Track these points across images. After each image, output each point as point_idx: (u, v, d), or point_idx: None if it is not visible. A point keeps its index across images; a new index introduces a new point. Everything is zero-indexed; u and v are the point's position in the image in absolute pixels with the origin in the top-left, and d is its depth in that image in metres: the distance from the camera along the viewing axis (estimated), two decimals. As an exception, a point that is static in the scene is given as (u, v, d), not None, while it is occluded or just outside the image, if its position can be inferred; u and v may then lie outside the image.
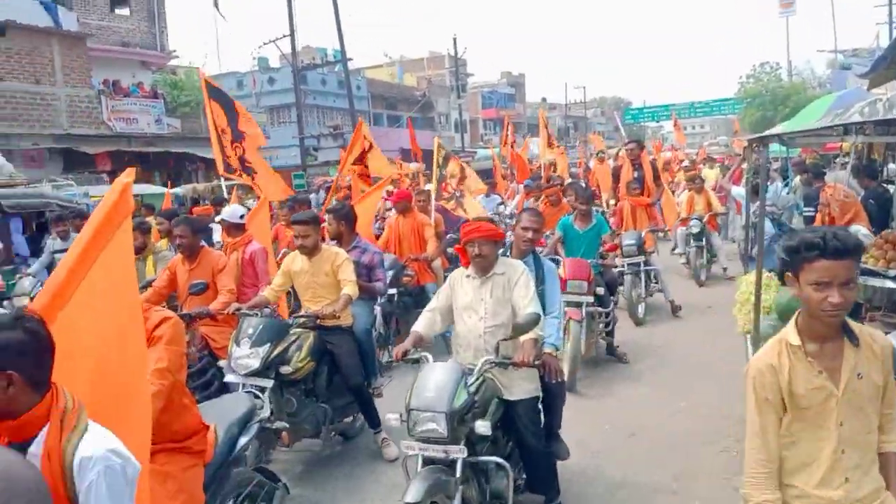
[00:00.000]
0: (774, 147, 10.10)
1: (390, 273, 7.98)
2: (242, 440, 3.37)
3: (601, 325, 6.88)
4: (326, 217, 6.06)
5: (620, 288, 8.09)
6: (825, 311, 1.95)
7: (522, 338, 3.46)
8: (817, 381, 2.04)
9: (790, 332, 2.09)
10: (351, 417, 5.45)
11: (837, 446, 2.04)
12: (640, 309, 8.71)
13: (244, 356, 4.57)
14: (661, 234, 13.98)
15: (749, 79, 48.86)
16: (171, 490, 2.68)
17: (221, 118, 8.08)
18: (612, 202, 11.92)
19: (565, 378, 3.90)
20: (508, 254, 4.11)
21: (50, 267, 8.18)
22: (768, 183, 8.57)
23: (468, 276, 3.81)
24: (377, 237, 8.47)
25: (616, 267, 7.35)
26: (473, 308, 3.74)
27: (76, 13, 20.49)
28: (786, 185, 10.89)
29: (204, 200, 14.24)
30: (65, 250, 7.12)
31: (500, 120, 17.71)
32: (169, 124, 20.66)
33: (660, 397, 6.05)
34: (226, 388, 4.80)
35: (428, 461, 3.27)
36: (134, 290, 2.30)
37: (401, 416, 3.33)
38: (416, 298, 7.76)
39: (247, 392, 4.30)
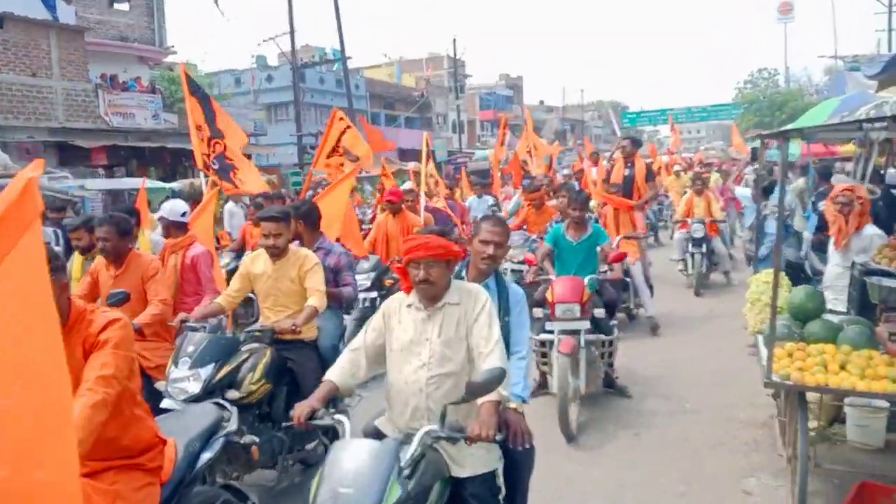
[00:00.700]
0: (773, 152, 10.08)
1: (372, 275, 7.66)
2: (205, 455, 3.06)
3: (602, 356, 5.77)
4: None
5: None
6: None
7: (480, 400, 2.57)
8: None
9: None
10: (314, 442, 4.66)
11: None
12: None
13: (182, 378, 3.95)
14: (649, 241, 13.81)
15: (747, 84, 49.13)
16: None
17: (199, 115, 7.89)
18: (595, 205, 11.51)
19: (533, 442, 2.97)
20: (463, 275, 3.34)
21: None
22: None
23: (409, 305, 2.90)
24: (364, 237, 8.19)
25: (619, 280, 6.26)
26: (414, 350, 2.82)
27: (74, 7, 20.32)
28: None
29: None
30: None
31: (498, 121, 17.45)
32: (166, 119, 20.54)
33: (663, 399, 5.99)
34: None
35: None
36: (48, 300, 1.89)
37: None
38: None
39: (213, 403, 3.66)
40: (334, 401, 4.16)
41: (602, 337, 5.67)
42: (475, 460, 2.77)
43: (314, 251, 4.84)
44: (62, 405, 1.76)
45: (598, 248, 6.00)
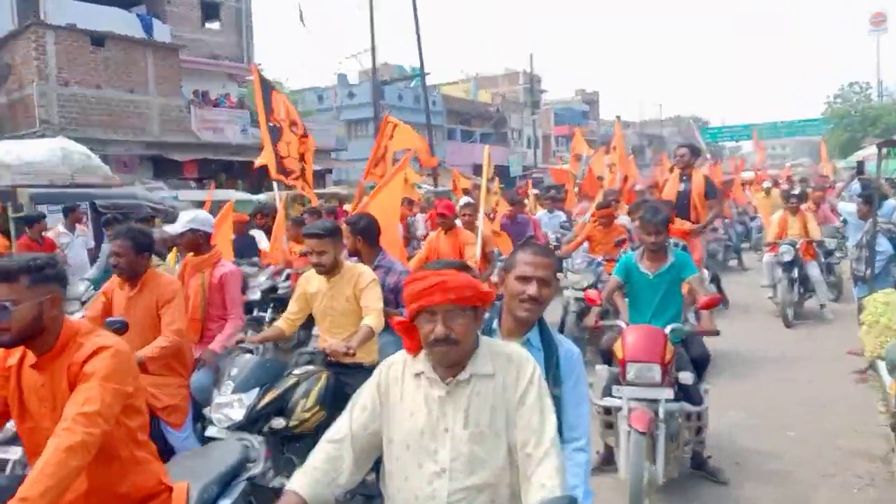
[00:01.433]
0: (871, 165, 9.53)
1: None
2: (224, 503, 2.69)
3: (688, 432, 4.33)
4: (344, 230, 4.84)
5: None
6: None
7: None
8: None
9: None
10: (374, 474, 4.44)
11: None
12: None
13: (226, 404, 3.65)
14: (730, 264, 12.69)
15: (836, 99, 46.98)
16: None
17: (264, 116, 7.88)
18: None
19: None
20: (495, 327, 2.47)
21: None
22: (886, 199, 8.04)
23: (419, 374, 1.99)
24: (409, 258, 7.39)
25: (714, 333, 4.42)
26: (427, 447, 1.92)
27: (169, 26, 21.37)
28: None
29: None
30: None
31: (573, 136, 16.74)
32: (253, 134, 21.23)
33: (762, 425, 5.69)
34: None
35: None
36: None
37: None
38: None
39: (239, 440, 3.27)
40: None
41: (689, 407, 4.27)
42: None
43: (373, 269, 4.44)
44: None
45: (684, 284, 4.65)
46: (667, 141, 58.60)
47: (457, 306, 1.88)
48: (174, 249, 5.98)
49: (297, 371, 3.90)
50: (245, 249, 8.08)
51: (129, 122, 18.33)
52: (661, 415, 4.03)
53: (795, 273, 8.80)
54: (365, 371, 3.83)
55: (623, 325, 4.38)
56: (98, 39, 17.94)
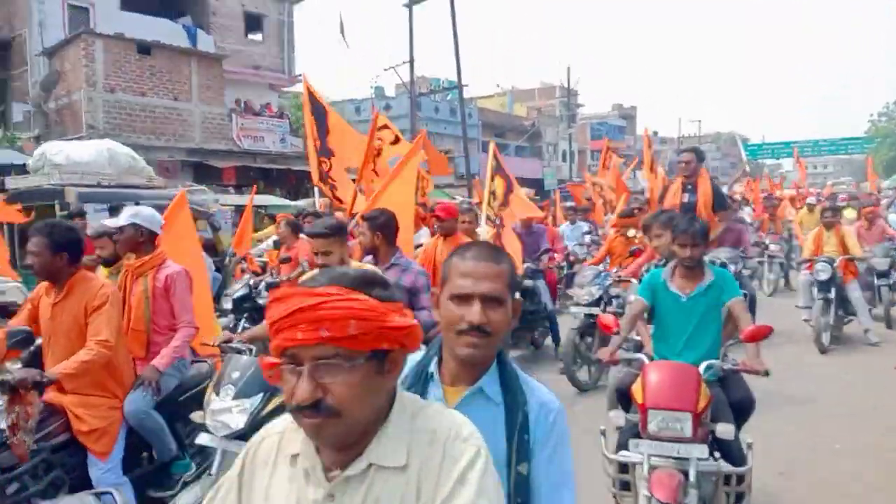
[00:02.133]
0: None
1: None
2: None
3: (727, 500, 3.47)
4: (362, 225, 4.59)
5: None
6: None
7: None
8: None
9: None
10: None
11: None
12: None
13: (224, 410, 3.39)
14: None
15: (882, 117, 46.08)
16: None
17: (313, 130, 7.90)
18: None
19: None
20: (432, 372, 1.62)
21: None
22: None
23: (295, 456, 1.26)
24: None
25: (763, 372, 3.42)
26: None
27: (213, 37, 21.84)
28: None
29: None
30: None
31: (606, 149, 16.18)
32: (292, 143, 21.53)
33: (808, 436, 5.54)
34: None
35: None
36: None
37: None
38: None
39: (95, 494, 2.57)
40: None
41: (727, 468, 3.36)
42: None
43: (387, 268, 4.25)
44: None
45: (725, 309, 3.75)
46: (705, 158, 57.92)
47: (338, 351, 1.11)
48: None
49: None
50: None
51: (171, 129, 18.74)
52: (693, 478, 3.15)
53: (832, 293, 8.07)
54: None
55: (645, 359, 3.59)
56: (144, 48, 18.41)
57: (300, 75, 25.53)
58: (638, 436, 3.33)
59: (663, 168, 13.21)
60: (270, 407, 3.43)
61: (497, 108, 43.75)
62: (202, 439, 3.49)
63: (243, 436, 3.28)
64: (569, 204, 14.75)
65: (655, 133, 59.63)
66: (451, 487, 1.15)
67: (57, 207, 9.67)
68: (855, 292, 8.24)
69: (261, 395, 3.47)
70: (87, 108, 17.39)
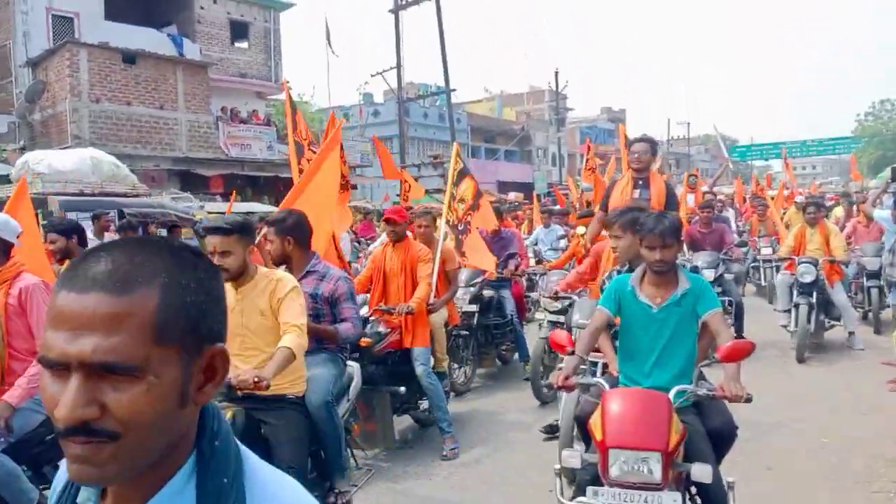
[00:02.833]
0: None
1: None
2: None
3: None
4: (267, 231, 4.00)
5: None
6: None
7: None
8: None
9: None
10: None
11: None
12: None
13: None
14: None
15: (868, 116, 46.43)
16: None
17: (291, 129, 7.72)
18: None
19: None
20: None
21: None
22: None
23: None
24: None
25: (743, 399, 2.87)
26: None
27: (199, 45, 21.79)
28: None
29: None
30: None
31: (598, 154, 15.73)
32: (280, 151, 21.47)
33: (795, 431, 5.53)
34: None
35: None
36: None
37: None
38: (393, 369, 5.18)
39: None
40: (331, 487, 3.38)
41: None
42: None
43: (302, 277, 3.73)
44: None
45: (700, 322, 3.21)
46: (694, 160, 58.18)
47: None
48: None
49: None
50: None
51: (157, 138, 18.65)
52: None
53: (815, 297, 7.37)
54: (288, 406, 3.24)
55: (605, 384, 3.04)
56: (129, 57, 18.33)
57: (288, 82, 25.53)
58: (598, 480, 2.78)
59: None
60: None
61: (486, 112, 43.86)
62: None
63: None
64: (547, 207, 14.42)
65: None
66: None
67: (39, 216, 9.59)
68: (840, 295, 7.60)
69: None
70: (73, 118, 17.29)
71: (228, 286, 3.15)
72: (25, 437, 3.30)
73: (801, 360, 7.30)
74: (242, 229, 3.21)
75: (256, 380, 2.82)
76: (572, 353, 3.21)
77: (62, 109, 17.58)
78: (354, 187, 26.15)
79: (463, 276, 6.66)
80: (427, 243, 5.81)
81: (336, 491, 3.48)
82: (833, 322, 7.81)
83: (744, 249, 11.36)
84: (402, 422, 5.80)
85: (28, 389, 3.26)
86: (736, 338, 6.66)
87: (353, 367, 3.88)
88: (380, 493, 4.52)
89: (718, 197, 13.50)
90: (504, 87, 54.89)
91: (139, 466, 0.82)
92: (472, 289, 6.83)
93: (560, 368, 3.11)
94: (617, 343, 3.41)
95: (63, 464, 0.87)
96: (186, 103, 19.32)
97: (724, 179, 33.99)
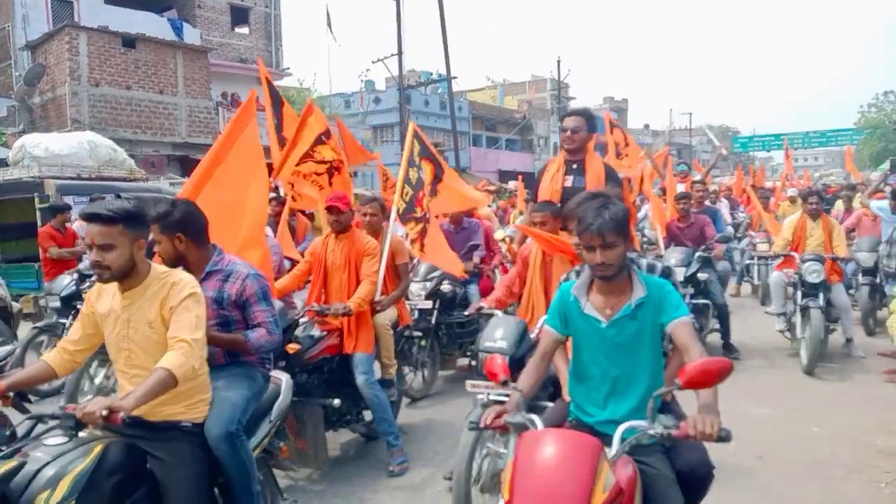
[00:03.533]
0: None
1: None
2: None
3: None
4: (152, 231, 3.05)
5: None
6: None
7: None
8: None
9: None
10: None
11: None
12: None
13: None
14: (740, 289, 10.31)
15: (871, 108, 46.27)
16: None
17: (271, 120, 6.98)
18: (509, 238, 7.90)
19: None
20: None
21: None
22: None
23: None
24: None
25: (716, 437, 2.08)
26: None
27: (199, 30, 21.70)
28: None
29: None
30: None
31: (599, 144, 14.80)
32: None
33: (787, 422, 5.53)
34: None
35: None
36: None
37: None
38: (331, 377, 4.55)
39: None
40: None
41: None
42: None
43: (203, 279, 3.04)
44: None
45: (665, 338, 2.57)
46: (696, 151, 58.05)
47: None
48: None
49: (50, 441, 2.25)
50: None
51: (157, 123, 18.62)
52: None
53: (822, 299, 6.53)
54: (183, 435, 2.63)
55: (534, 424, 2.32)
56: (129, 41, 18.27)
57: (288, 68, 25.43)
58: None
59: (650, 160, 12.40)
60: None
61: (488, 101, 43.72)
62: None
63: None
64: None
65: (647, 126, 59.69)
66: None
67: (36, 200, 9.58)
68: (841, 296, 6.85)
69: None
70: (72, 102, 17.26)
71: (112, 289, 2.63)
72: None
73: (810, 372, 6.43)
74: (129, 218, 2.52)
75: (106, 412, 2.18)
76: (505, 383, 2.49)
77: (62, 93, 17.54)
78: (354, 174, 26.10)
79: (421, 269, 6.26)
80: (374, 234, 5.13)
81: None
82: (832, 325, 6.99)
83: (741, 244, 10.95)
84: (344, 435, 5.12)
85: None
86: (723, 344, 6.26)
87: (282, 379, 3.31)
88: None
89: (712, 187, 13.07)
90: (506, 76, 54.68)
91: None
92: (428, 283, 6.23)
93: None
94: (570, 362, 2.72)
95: None
96: (186, 88, 19.27)
97: (726, 170, 33.87)
